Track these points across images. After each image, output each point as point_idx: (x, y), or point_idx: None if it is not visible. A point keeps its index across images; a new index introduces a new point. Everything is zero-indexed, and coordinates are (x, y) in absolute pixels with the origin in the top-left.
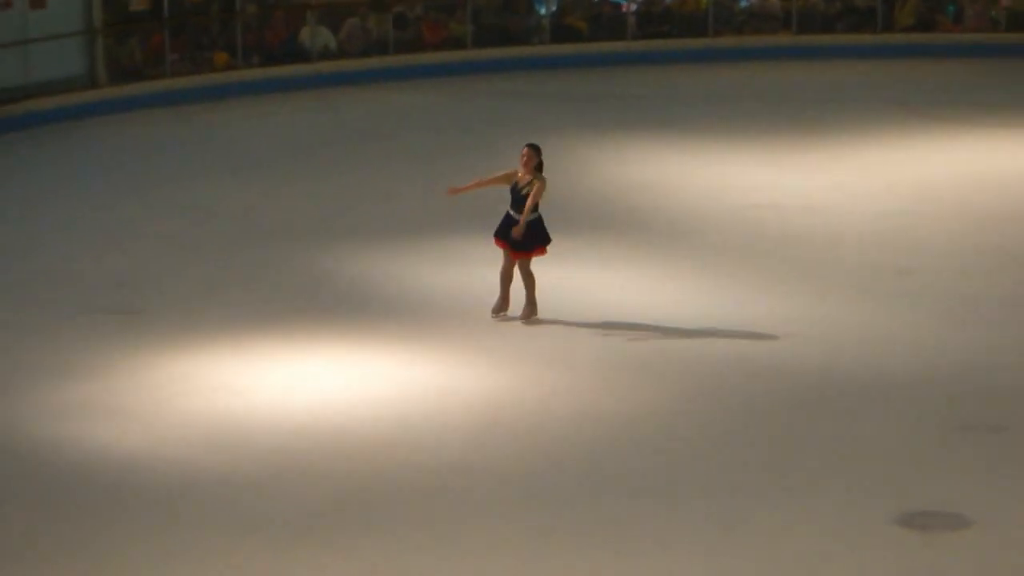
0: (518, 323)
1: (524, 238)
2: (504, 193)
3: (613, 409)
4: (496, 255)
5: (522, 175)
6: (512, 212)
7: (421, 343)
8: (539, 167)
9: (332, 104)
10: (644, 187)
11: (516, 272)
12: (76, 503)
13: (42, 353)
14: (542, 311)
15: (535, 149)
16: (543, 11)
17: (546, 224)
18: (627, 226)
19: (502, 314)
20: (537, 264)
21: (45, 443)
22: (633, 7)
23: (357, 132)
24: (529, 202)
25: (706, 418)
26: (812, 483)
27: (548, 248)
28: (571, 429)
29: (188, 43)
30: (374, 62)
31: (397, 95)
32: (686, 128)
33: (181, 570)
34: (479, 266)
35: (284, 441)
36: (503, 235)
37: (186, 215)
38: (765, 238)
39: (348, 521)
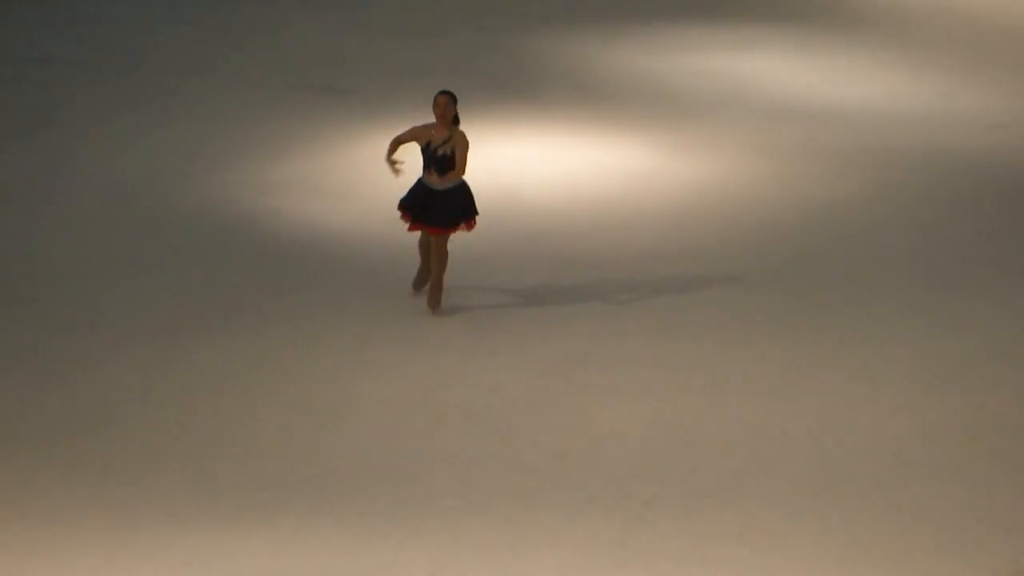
0: (704, 121)
1: (446, 211)
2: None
3: (817, 197)
4: None
5: (437, 130)
6: (426, 179)
7: (623, 128)
8: (456, 120)
9: None
10: None
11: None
12: (289, 277)
13: (256, 131)
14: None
15: (452, 97)
16: None
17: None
18: (826, 11)
19: (424, 288)
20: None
21: (260, 218)
22: None
23: None
24: (459, 165)
25: (909, 210)
26: (1018, 277)
27: (476, 220)
28: (773, 215)
29: None
30: None
31: None
32: None
33: (385, 337)
34: (701, 53)
35: (487, 218)
36: (414, 211)
37: None
38: (972, 28)
39: (547, 301)
